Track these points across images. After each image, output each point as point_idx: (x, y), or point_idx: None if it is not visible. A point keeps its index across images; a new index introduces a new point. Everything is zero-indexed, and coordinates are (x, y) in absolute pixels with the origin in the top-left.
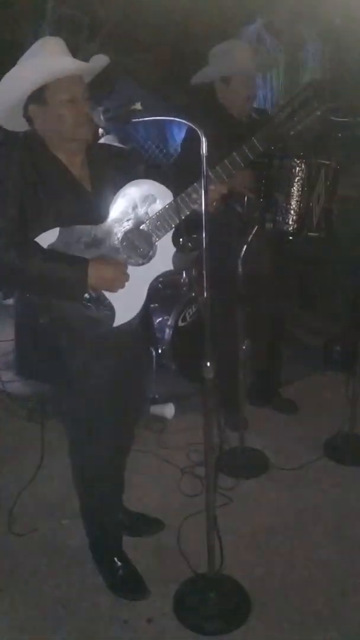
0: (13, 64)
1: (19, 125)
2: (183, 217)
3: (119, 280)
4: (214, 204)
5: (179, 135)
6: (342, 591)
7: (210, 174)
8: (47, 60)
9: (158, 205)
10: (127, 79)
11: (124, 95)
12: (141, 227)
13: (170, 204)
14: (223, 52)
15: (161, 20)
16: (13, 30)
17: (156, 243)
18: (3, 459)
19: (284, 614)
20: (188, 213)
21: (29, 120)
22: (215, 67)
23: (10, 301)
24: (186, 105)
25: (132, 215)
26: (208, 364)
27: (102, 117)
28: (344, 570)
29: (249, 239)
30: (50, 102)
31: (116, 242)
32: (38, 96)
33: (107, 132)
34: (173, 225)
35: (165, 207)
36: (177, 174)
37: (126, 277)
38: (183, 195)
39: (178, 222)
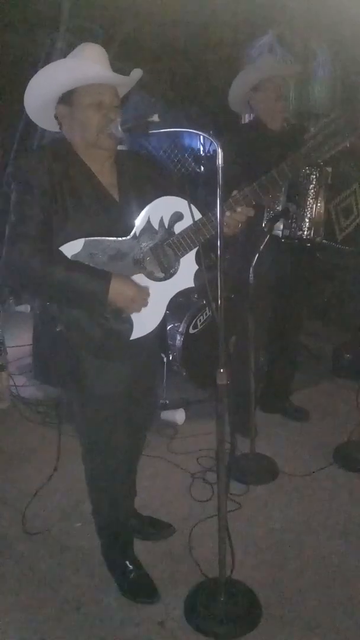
0: (28, 72)
1: (52, 124)
2: (208, 237)
3: (139, 302)
4: (239, 226)
5: (190, 146)
6: (352, 596)
7: (238, 196)
8: (80, 63)
9: (184, 223)
10: (140, 90)
11: (137, 107)
12: (166, 244)
13: (196, 222)
14: (249, 66)
15: (173, 31)
16: (28, 41)
17: (179, 260)
18: (17, 461)
19: (294, 619)
20: (214, 233)
21: (58, 122)
22: (244, 79)
23: (22, 308)
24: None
25: (158, 231)
26: (221, 370)
27: (119, 128)
28: (354, 575)
29: (261, 249)
30: (77, 104)
31: (140, 256)
32: (67, 97)
33: (121, 143)
34: (198, 244)
35: (191, 225)
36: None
37: (145, 302)
38: (210, 215)
39: (203, 241)
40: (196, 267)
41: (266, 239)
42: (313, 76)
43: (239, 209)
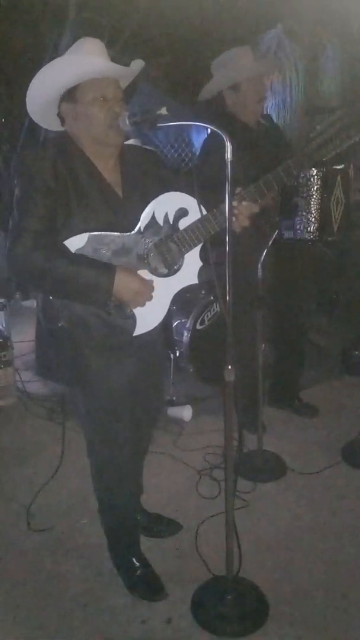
0: (35, 66)
1: (54, 124)
2: (213, 233)
3: (143, 295)
4: (247, 223)
5: (197, 140)
6: None
7: (243, 193)
8: (81, 59)
9: (189, 219)
10: (148, 83)
11: (144, 100)
12: (170, 240)
13: (201, 219)
14: (227, 61)
15: (180, 25)
16: (35, 35)
17: (184, 256)
18: (23, 457)
19: (301, 618)
20: (218, 230)
21: (61, 119)
22: (222, 77)
23: (29, 303)
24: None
25: (162, 227)
26: (229, 366)
27: (127, 122)
28: None
29: (269, 244)
30: (80, 101)
31: (144, 252)
32: (70, 94)
33: (130, 136)
34: (202, 240)
35: (196, 221)
36: (199, 181)
37: (150, 296)
38: (215, 211)
39: (207, 237)
40: (200, 263)
41: (274, 235)
42: (322, 70)
43: (244, 203)
